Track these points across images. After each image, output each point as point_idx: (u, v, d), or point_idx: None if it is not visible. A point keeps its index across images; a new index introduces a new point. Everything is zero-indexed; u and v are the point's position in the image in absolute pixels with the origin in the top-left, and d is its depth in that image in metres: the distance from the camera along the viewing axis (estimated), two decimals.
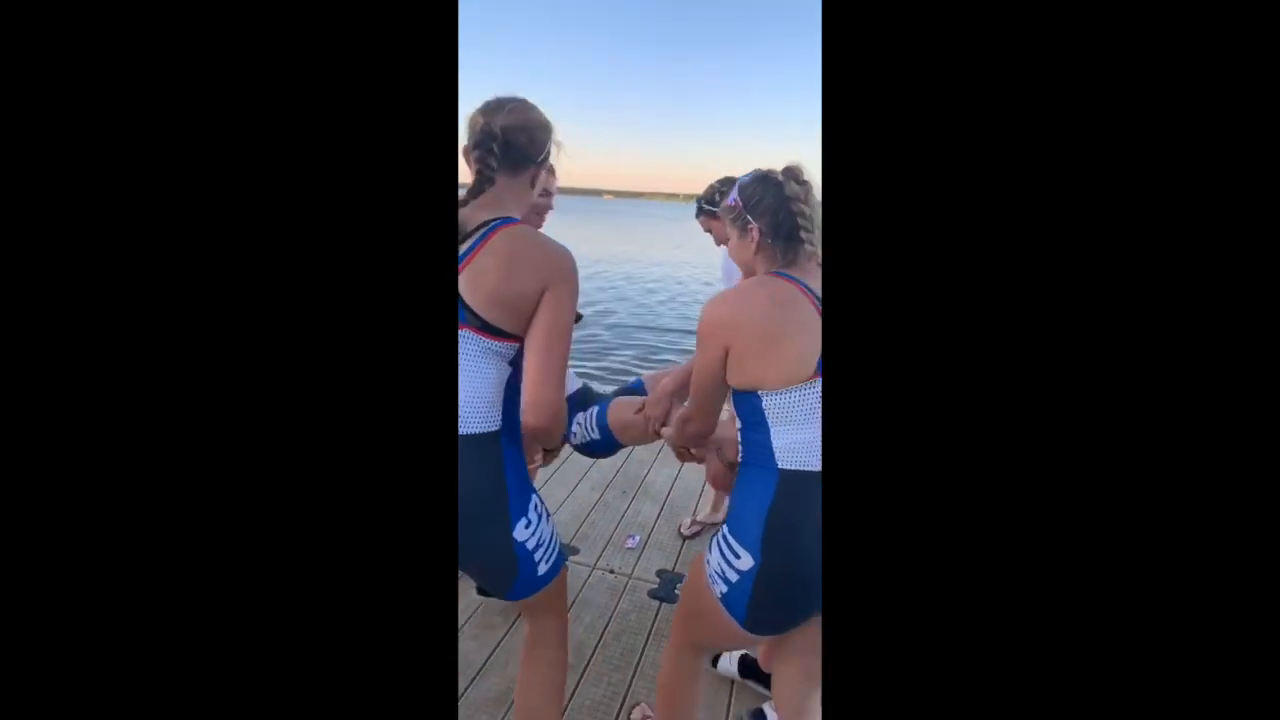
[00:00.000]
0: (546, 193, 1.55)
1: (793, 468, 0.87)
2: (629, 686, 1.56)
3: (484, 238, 0.88)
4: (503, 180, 0.92)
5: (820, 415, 0.85)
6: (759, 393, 0.88)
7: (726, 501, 1.45)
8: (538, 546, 0.94)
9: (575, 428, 1.36)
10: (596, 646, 1.68)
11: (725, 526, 0.95)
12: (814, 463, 0.86)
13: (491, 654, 1.63)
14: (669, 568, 2.06)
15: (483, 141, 0.90)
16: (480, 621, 1.74)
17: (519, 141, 0.91)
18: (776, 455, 0.88)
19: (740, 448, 0.96)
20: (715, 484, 1.30)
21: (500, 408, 0.90)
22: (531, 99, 0.97)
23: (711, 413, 1.00)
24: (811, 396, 0.86)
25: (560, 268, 0.89)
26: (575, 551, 2.11)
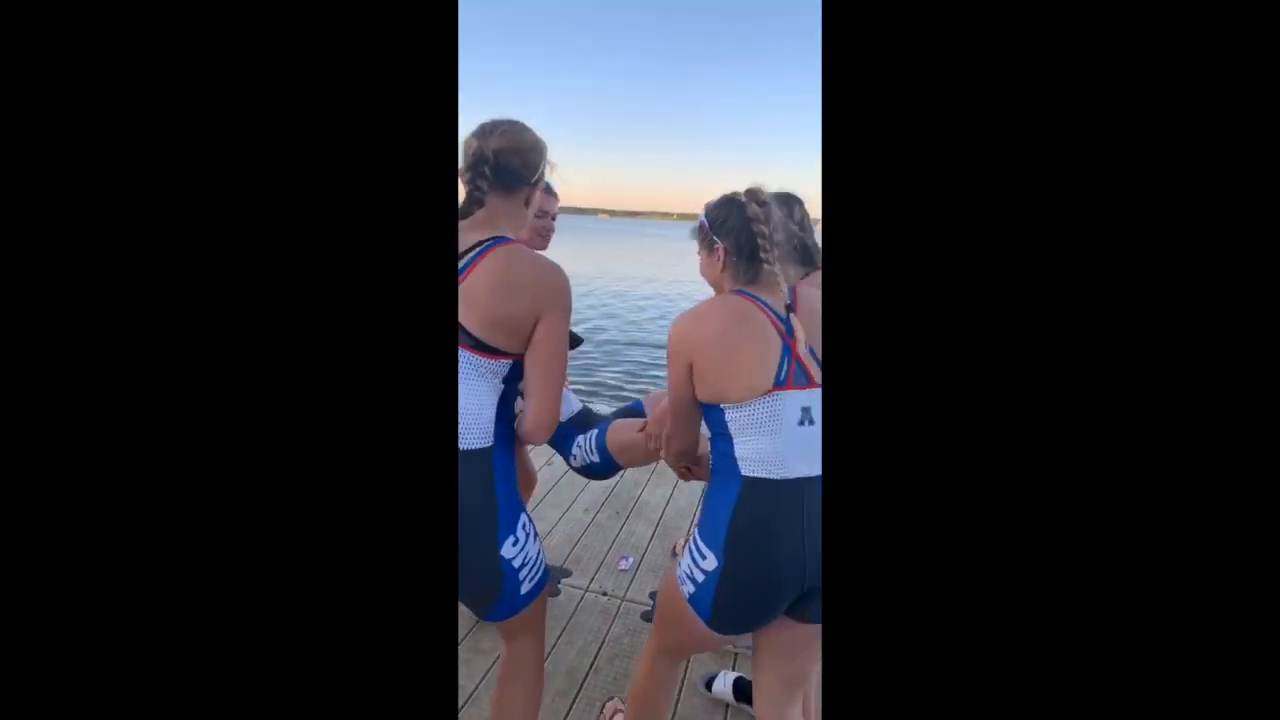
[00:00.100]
0: (547, 214, 1.58)
1: (755, 475, 0.92)
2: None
3: (477, 258, 0.90)
4: (497, 201, 0.94)
5: (780, 425, 0.91)
6: (722, 406, 0.93)
7: None
8: (523, 565, 0.95)
9: (575, 450, 1.37)
10: (589, 671, 1.65)
11: (695, 530, 0.99)
12: (774, 471, 0.91)
13: (483, 679, 1.59)
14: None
15: (475, 164, 0.92)
16: (470, 645, 1.70)
17: (512, 164, 0.93)
18: (740, 464, 0.93)
19: (710, 457, 1.01)
20: None
21: (493, 424, 0.91)
22: (525, 120, 0.99)
23: (687, 428, 1.03)
24: (771, 408, 0.91)
25: (555, 288, 0.91)
26: (568, 574, 2.08)
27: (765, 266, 0.95)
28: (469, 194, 0.93)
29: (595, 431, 1.34)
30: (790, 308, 0.94)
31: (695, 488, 2.50)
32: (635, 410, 1.41)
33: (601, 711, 1.51)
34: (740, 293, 0.96)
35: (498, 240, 0.91)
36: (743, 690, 1.51)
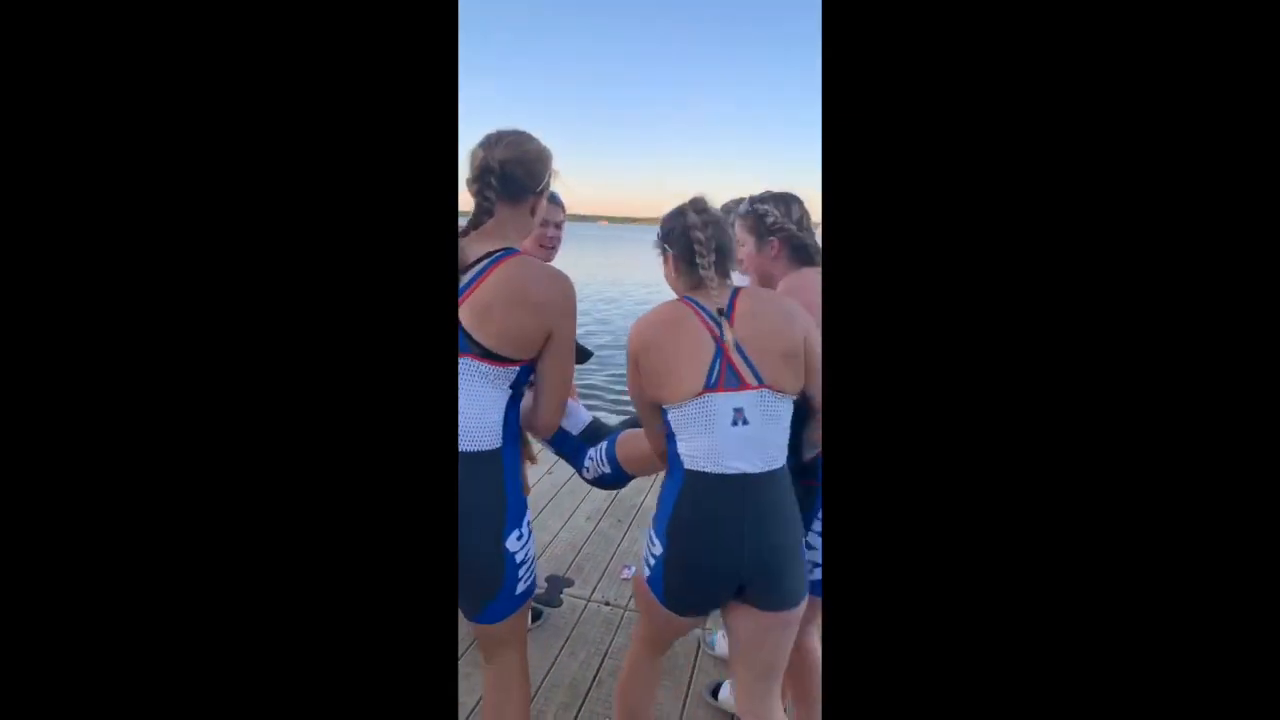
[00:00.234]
0: (549, 223, 1.59)
1: (695, 469, 0.99)
2: None
3: (486, 270, 0.93)
4: (504, 211, 0.98)
5: (713, 426, 0.97)
6: (664, 406, 1.01)
7: None
8: (523, 562, 1.00)
9: (587, 463, 1.39)
10: (592, 684, 1.63)
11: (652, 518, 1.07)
12: (710, 465, 0.97)
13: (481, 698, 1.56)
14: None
15: (482, 175, 0.96)
16: (471, 659, 1.67)
17: (517, 174, 0.97)
18: (682, 459, 1.00)
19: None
20: None
21: (501, 426, 0.96)
22: (528, 127, 0.99)
23: (649, 425, 1.09)
24: (703, 409, 0.97)
25: (565, 300, 0.96)
26: (570, 584, 2.06)
27: (701, 272, 1.00)
28: (478, 204, 0.96)
29: (605, 443, 1.36)
30: (723, 312, 0.99)
31: None
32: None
33: None
34: (685, 299, 1.03)
35: (508, 252, 0.95)
36: None
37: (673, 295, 1.08)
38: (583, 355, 1.47)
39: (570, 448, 1.43)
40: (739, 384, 0.97)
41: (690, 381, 0.97)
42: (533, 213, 1.02)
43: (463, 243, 0.96)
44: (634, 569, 2.15)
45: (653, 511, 1.06)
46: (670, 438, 1.02)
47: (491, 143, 0.97)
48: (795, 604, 1.01)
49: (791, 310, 1.03)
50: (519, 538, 0.98)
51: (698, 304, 1.00)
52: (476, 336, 0.91)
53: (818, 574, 1.18)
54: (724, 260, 1.03)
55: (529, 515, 1.03)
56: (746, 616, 1.03)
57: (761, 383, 0.97)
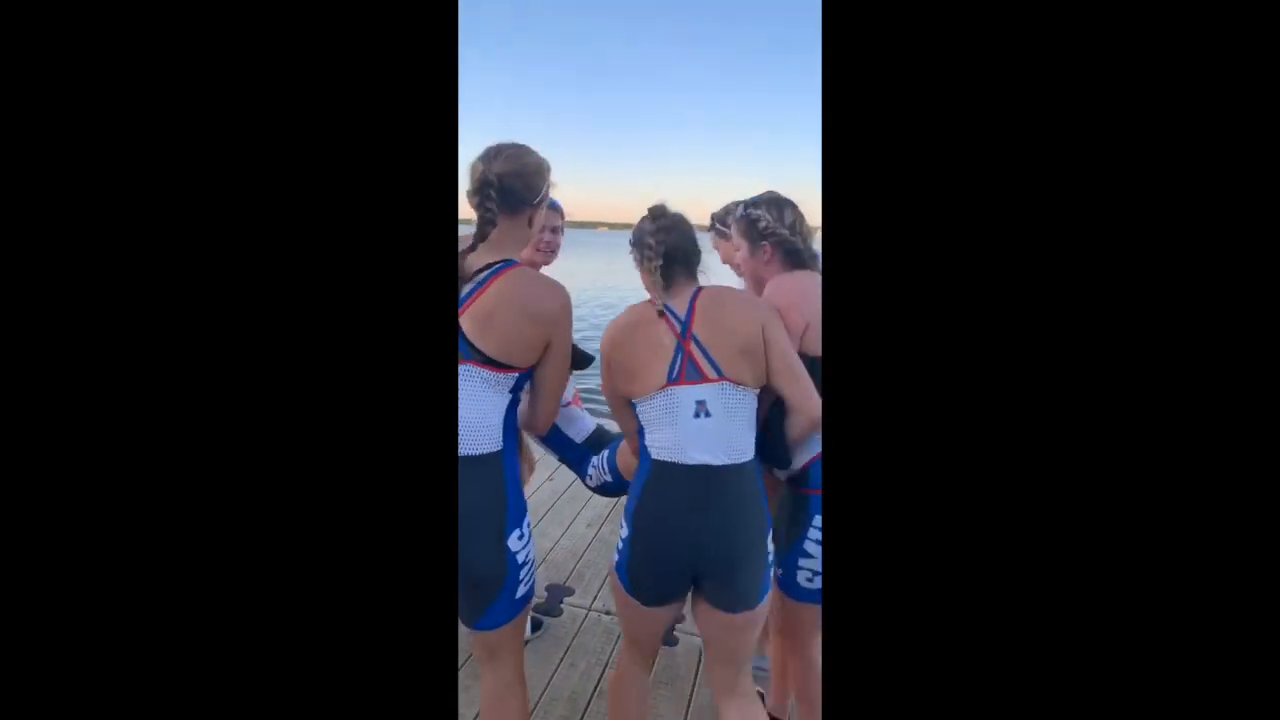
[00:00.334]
0: (551, 229, 1.63)
1: (660, 459, 1.04)
2: None
3: (487, 280, 0.98)
4: (504, 223, 1.02)
5: (676, 417, 1.02)
6: (633, 400, 1.07)
7: None
8: (523, 564, 1.02)
9: (591, 470, 1.42)
10: (593, 696, 1.61)
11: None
12: (675, 456, 1.02)
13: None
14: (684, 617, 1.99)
15: (481, 188, 1.00)
16: (470, 671, 1.66)
17: (515, 186, 1.00)
18: (649, 449, 1.06)
19: None
20: None
21: (501, 430, 1.00)
22: (525, 135, 1.03)
23: (623, 421, 1.15)
24: (666, 402, 1.03)
25: (562, 310, 1.01)
26: (570, 593, 2.04)
27: (648, 276, 1.08)
28: (480, 216, 1.01)
29: (607, 451, 1.39)
30: (685, 310, 1.05)
31: None
32: None
33: None
34: (653, 300, 1.08)
35: (508, 263, 1.00)
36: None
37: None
38: (584, 360, 1.49)
39: (575, 455, 1.47)
40: (700, 377, 1.02)
41: (654, 376, 1.03)
42: (530, 224, 1.05)
43: (470, 257, 1.00)
44: None
45: None
46: (641, 431, 1.08)
47: (491, 156, 1.01)
48: (751, 605, 1.04)
49: (749, 305, 1.07)
50: (520, 537, 1.01)
51: (665, 305, 1.07)
52: (478, 344, 0.95)
53: (818, 583, 1.17)
54: (684, 262, 1.09)
55: (527, 517, 1.05)
56: (709, 615, 1.08)
57: (721, 375, 1.01)
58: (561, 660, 1.73)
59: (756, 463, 1.06)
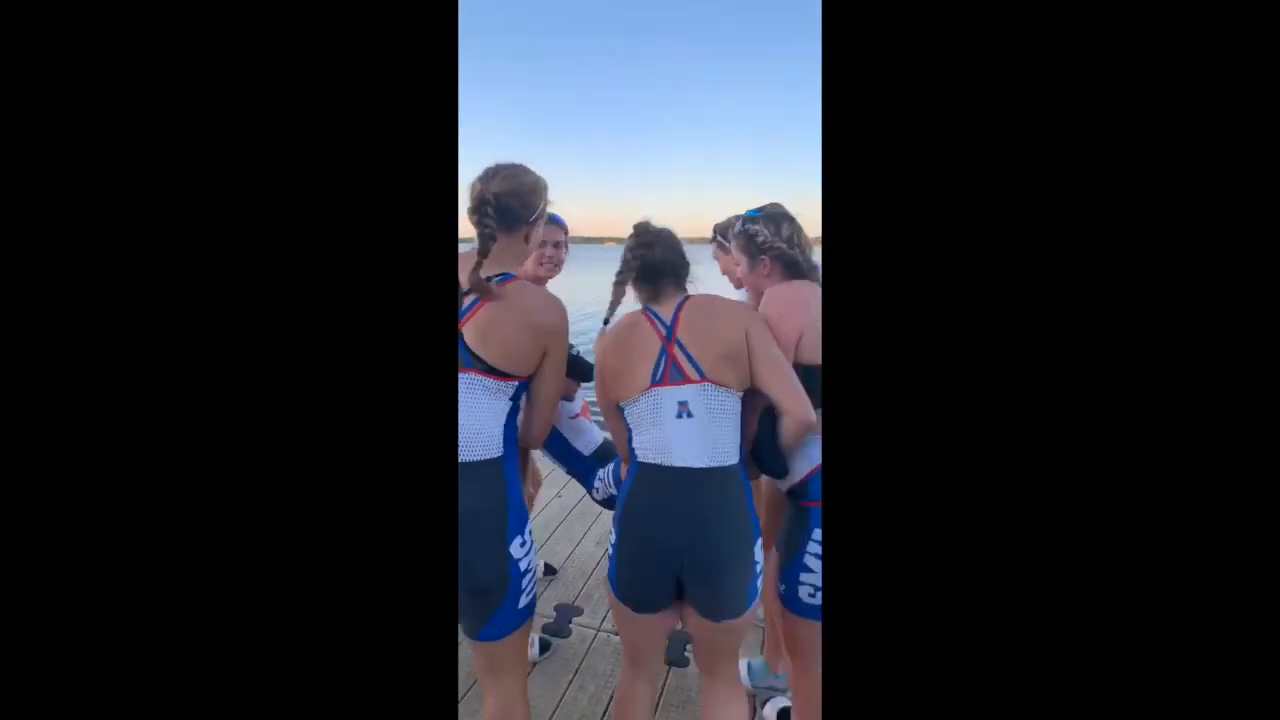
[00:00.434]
0: (553, 243, 1.68)
1: (646, 461, 1.07)
2: None
3: (485, 295, 1.02)
4: (502, 239, 1.06)
5: (660, 418, 1.05)
6: (621, 404, 1.11)
7: None
8: (526, 571, 1.04)
9: (597, 483, 1.43)
10: (602, 719, 1.57)
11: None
12: (658, 457, 1.05)
13: None
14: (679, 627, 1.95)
15: (479, 206, 1.04)
16: (477, 695, 1.62)
17: (511, 205, 1.05)
18: (636, 451, 1.09)
19: None
20: None
21: (501, 437, 1.03)
22: (533, 153, 1.06)
23: (612, 426, 1.18)
24: (651, 403, 1.06)
25: (558, 321, 1.05)
26: (579, 612, 2.00)
27: (622, 286, 1.17)
28: (480, 233, 1.05)
29: (613, 464, 1.40)
30: (676, 317, 1.10)
31: None
32: None
33: None
34: (645, 309, 1.14)
35: (506, 277, 1.05)
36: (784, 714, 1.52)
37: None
38: (588, 371, 1.51)
39: (582, 468, 1.49)
40: (682, 378, 1.05)
41: (639, 378, 1.07)
42: (527, 240, 1.10)
43: (473, 274, 1.03)
44: None
45: None
46: (630, 435, 1.11)
47: (489, 176, 1.06)
48: (735, 614, 1.05)
49: (732, 310, 1.11)
50: (522, 544, 1.03)
51: (651, 312, 1.12)
52: (480, 353, 0.99)
53: (820, 598, 1.16)
54: (670, 274, 1.15)
55: (529, 525, 1.08)
56: (698, 622, 1.10)
57: (703, 376, 1.04)
58: (570, 682, 1.69)
59: (742, 468, 1.08)
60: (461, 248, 1.06)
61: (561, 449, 1.64)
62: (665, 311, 1.11)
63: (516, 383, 1.03)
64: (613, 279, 1.19)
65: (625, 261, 1.16)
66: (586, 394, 1.86)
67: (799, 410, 1.04)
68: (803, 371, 1.09)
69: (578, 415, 1.72)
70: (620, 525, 1.08)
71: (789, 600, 1.19)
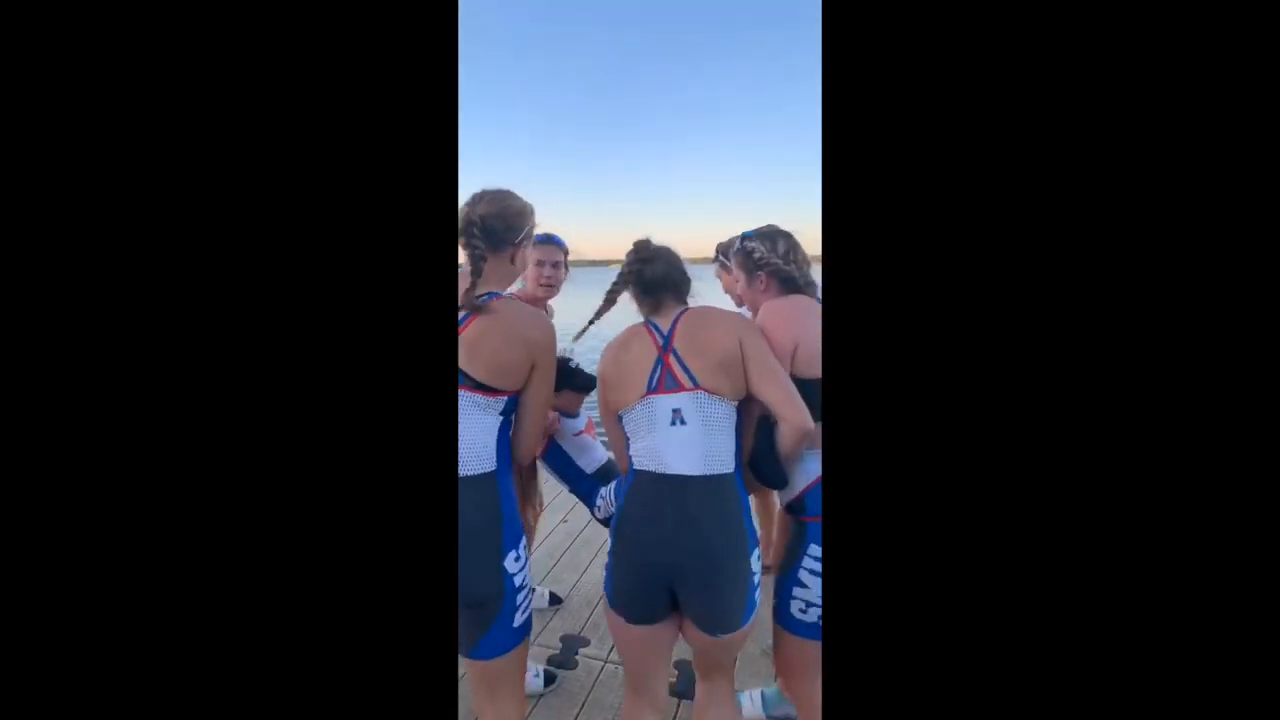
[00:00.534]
0: (552, 263, 1.71)
1: (642, 468, 1.09)
2: None
3: (474, 310, 1.05)
4: (490, 260, 1.10)
5: (655, 425, 1.08)
6: (620, 411, 1.14)
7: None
8: (521, 587, 1.05)
9: (599, 502, 1.43)
10: None
11: None
12: (653, 464, 1.07)
13: None
14: (690, 658, 1.89)
15: (466, 228, 1.08)
16: None
17: (496, 227, 1.09)
18: (633, 459, 1.12)
19: None
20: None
21: (494, 450, 1.04)
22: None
23: (612, 436, 1.21)
24: (647, 410, 1.09)
25: (544, 337, 1.06)
26: (586, 643, 1.95)
27: (638, 301, 1.20)
28: (469, 254, 1.08)
29: (615, 483, 1.39)
30: (673, 328, 1.13)
31: None
32: None
33: None
34: (646, 321, 1.18)
35: (491, 295, 1.07)
36: None
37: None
38: (589, 382, 1.54)
39: (585, 487, 1.49)
40: (677, 386, 1.08)
41: (636, 385, 1.10)
42: (514, 261, 1.14)
43: (465, 291, 1.06)
44: None
45: None
46: (628, 443, 1.14)
47: (475, 200, 1.11)
48: (731, 629, 1.05)
49: (727, 320, 1.13)
50: (517, 559, 1.04)
51: (651, 323, 1.16)
52: (468, 370, 1.01)
53: (813, 615, 1.15)
54: (672, 289, 1.18)
55: (524, 539, 1.08)
56: (695, 635, 1.10)
57: (697, 385, 1.06)
58: (576, 717, 1.63)
59: (738, 477, 1.08)
60: None
61: (565, 467, 1.63)
62: (664, 323, 1.14)
63: (506, 397, 1.04)
64: (613, 288, 1.24)
65: (621, 274, 1.21)
66: (592, 412, 1.85)
67: (796, 418, 1.05)
68: (798, 385, 1.10)
69: (581, 433, 1.70)
70: (615, 532, 1.10)
71: (780, 615, 1.18)
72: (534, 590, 1.11)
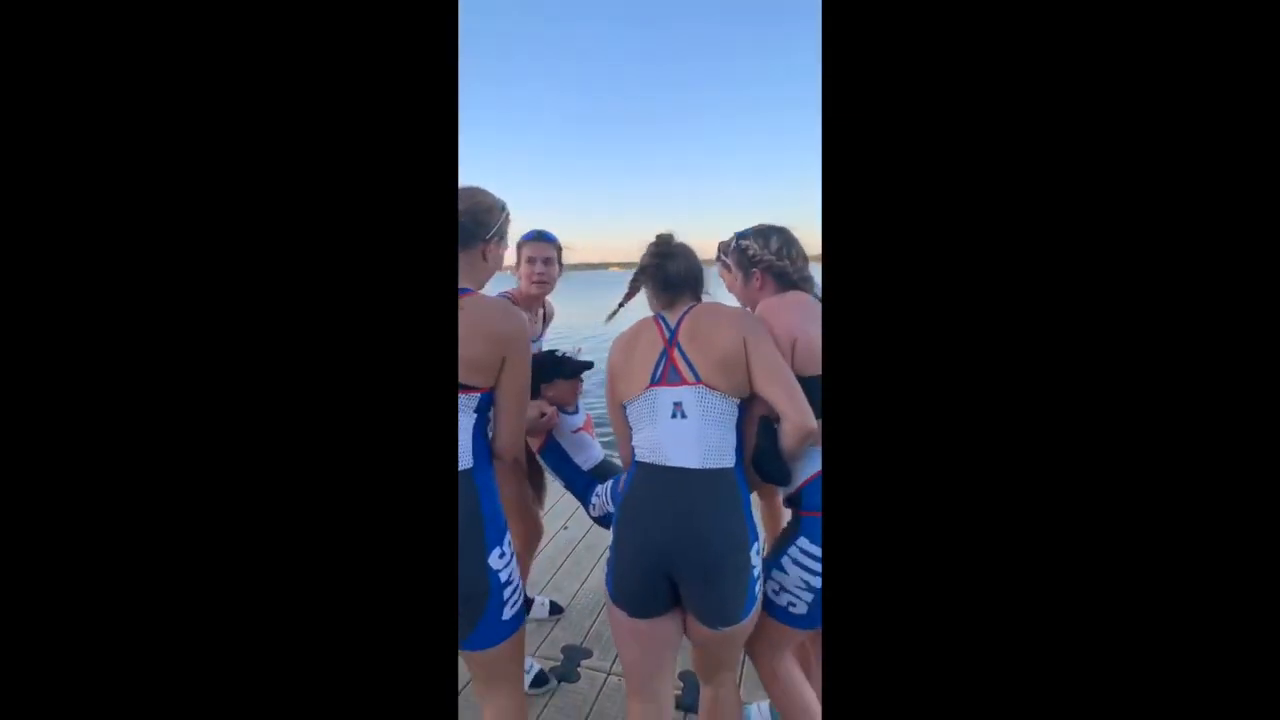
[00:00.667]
0: (543, 260, 1.70)
1: (641, 460, 1.12)
2: None
3: None
4: (461, 256, 1.08)
5: (656, 417, 1.10)
6: (624, 403, 1.17)
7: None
8: (508, 583, 1.04)
9: (595, 499, 1.42)
10: None
11: None
12: (653, 457, 1.09)
13: None
14: (694, 669, 1.86)
15: None
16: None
17: (466, 223, 1.08)
18: (635, 450, 1.14)
19: None
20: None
21: (471, 448, 1.03)
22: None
23: (617, 429, 1.22)
24: (649, 402, 1.12)
25: (514, 331, 1.05)
26: (588, 655, 1.91)
27: (653, 294, 1.22)
28: None
29: (611, 482, 1.39)
30: (679, 323, 1.15)
31: None
32: None
33: None
34: (656, 316, 1.20)
35: (462, 291, 1.06)
36: None
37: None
38: (577, 369, 1.54)
39: (581, 484, 1.48)
40: (679, 380, 1.10)
41: (640, 378, 1.13)
42: (485, 258, 1.13)
43: None
44: None
45: None
46: (631, 434, 1.16)
47: None
48: (731, 621, 1.06)
49: (732, 317, 1.14)
50: (501, 556, 1.03)
51: (661, 317, 1.18)
52: None
53: (783, 599, 1.15)
54: (690, 285, 1.20)
55: (508, 535, 1.08)
56: (696, 629, 1.11)
57: (699, 379, 1.08)
58: None
59: (739, 472, 1.09)
60: None
61: (561, 464, 1.62)
62: (673, 318, 1.17)
63: (479, 394, 1.03)
64: (631, 281, 1.27)
65: (641, 266, 1.23)
66: (590, 409, 1.82)
67: (798, 416, 1.05)
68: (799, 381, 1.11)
69: (580, 429, 1.68)
70: (617, 523, 1.12)
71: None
72: (522, 587, 1.12)
